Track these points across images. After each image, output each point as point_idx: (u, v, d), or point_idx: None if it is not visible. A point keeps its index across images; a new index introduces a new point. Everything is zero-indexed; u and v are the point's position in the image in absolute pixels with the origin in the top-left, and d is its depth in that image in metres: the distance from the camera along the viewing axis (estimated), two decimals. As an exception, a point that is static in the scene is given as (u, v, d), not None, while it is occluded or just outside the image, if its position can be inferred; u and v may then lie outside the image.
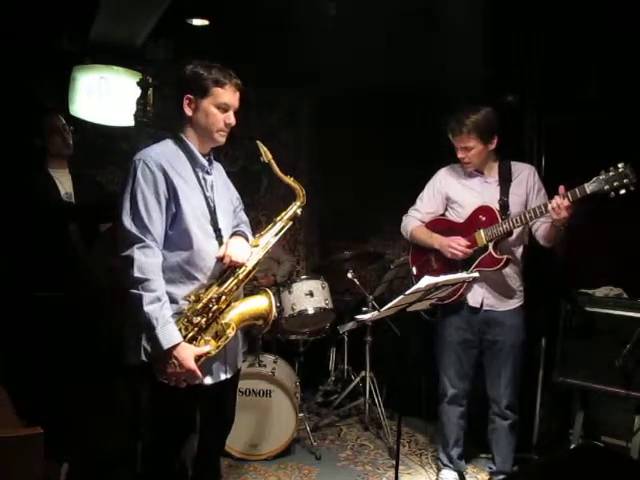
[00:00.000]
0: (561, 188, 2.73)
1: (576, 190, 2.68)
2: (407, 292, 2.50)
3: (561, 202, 2.68)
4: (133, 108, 3.61)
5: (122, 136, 3.85)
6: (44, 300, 3.08)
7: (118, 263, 2.07)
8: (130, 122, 3.77)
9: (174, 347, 2.01)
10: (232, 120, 2.23)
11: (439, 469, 3.36)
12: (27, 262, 3.14)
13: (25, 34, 3.74)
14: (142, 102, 3.40)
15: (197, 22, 3.96)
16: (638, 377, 2.94)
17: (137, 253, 2.02)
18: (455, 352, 3.16)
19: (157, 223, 2.07)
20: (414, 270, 3.30)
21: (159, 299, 2.02)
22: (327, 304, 3.91)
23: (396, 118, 4.72)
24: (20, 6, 3.40)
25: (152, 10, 3.44)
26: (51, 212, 3.22)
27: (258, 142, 2.31)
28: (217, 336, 2.14)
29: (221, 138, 2.24)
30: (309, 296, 3.86)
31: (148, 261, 2.03)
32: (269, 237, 2.32)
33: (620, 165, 2.58)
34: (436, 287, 2.59)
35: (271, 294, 2.30)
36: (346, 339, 4.33)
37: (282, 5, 3.44)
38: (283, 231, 2.34)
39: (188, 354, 2.03)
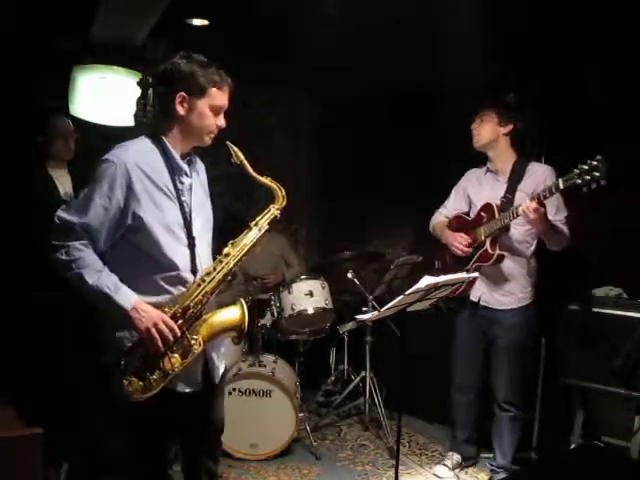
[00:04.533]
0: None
1: (551, 187, 2.72)
2: (407, 292, 2.50)
3: (528, 204, 2.74)
4: (133, 108, 3.61)
5: (122, 136, 3.85)
6: (44, 300, 3.08)
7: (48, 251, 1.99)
8: (130, 122, 3.77)
9: (136, 303, 1.96)
10: (223, 123, 2.12)
11: (441, 460, 3.48)
12: (27, 262, 3.13)
13: (25, 34, 3.74)
14: (142, 102, 3.40)
15: (197, 22, 3.96)
16: (638, 377, 2.94)
17: (59, 239, 1.97)
18: (460, 346, 3.28)
19: (94, 225, 1.98)
20: (436, 264, 3.43)
21: (100, 270, 1.96)
22: (327, 304, 3.91)
23: (396, 118, 4.72)
24: (20, 6, 3.39)
25: (152, 10, 3.44)
26: (51, 212, 3.21)
27: (228, 143, 2.16)
28: (184, 352, 2.02)
29: (209, 140, 2.13)
30: (309, 296, 3.86)
31: (73, 244, 1.96)
32: (243, 244, 2.14)
33: (597, 158, 2.57)
34: (436, 287, 2.59)
35: (244, 304, 2.15)
36: (346, 339, 4.33)
37: (282, 5, 3.44)
38: (259, 235, 2.17)
39: (149, 306, 1.98)
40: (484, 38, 3.50)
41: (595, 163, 2.56)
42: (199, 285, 2.06)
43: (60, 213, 2.00)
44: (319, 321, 4.00)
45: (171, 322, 1.98)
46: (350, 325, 4.10)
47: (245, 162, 2.15)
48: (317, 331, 4.07)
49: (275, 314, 3.90)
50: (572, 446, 3.32)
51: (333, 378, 4.39)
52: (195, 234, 2.11)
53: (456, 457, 3.43)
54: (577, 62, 3.57)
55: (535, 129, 3.77)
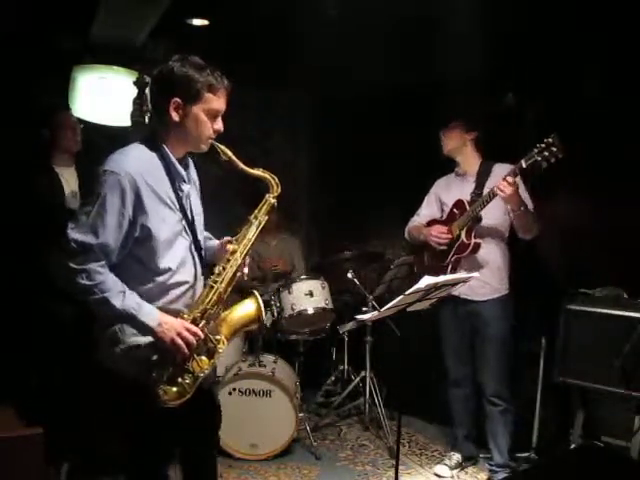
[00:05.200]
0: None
1: (515, 167, 2.92)
2: (407, 292, 2.50)
3: (501, 181, 2.91)
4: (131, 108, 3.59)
5: (122, 136, 3.85)
6: (44, 301, 3.07)
7: (63, 273, 1.93)
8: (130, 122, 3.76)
9: (159, 319, 1.98)
10: (221, 127, 2.07)
11: (441, 460, 3.52)
12: (28, 265, 3.11)
13: (25, 34, 3.73)
14: (138, 101, 3.37)
15: (197, 22, 3.96)
16: (638, 377, 2.94)
17: (78, 264, 1.90)
18: (450, 341, 3.37)
19: (110, 243, 1.94)
20: (415, 269, 3.55)
21: (122, 292, 1.94)
22: (327, 304, 3.91)
23: (396, 118, 4.71)
24: (20, 6, 3.39)
25: (152, 10, 3.43)
26: (56, 214, 3.16)
27: (214, 142, 2.09)
28: (209, 353, 2.07)
29: (206, 147, 2.08)
30: (309, 296, 3.86)
31: (92, 267, 1.91)
32: (247, 240, 2.16)
33: (550, 136, 2.78)
34: (436, 287, 2.59)
35: (258, 296, 2.19)
36: (346, 339, 4.33)
37: (282, 5, 3.44)
38: (260, 227, 2.17)
39: (170, 317, 2.00)
40: (484, 38, 3.50)
41: (551, 140, 2.77)
42: (212, 287, 2.07)
43: (74, 235, 1.91)
44: (319, 321, 4.01)
45: (194, 328, 2.00)
46: (350, 325, 4.10)
47: (234, 157, 2.11)
48: (317, 331, 4.07)
49: (275, 314, 3.90)
50: (572, 446, 3.32)
51: (333, 378, 4.39)
52: (200, 237, 2.14)
53: (456, 457, 3.46)
54: (577, 62, 3.56)
55: (535, 130, 3.77)
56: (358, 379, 4.11)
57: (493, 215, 3.16)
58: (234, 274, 2.11)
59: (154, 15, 3.50)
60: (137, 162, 1.99)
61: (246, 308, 2.17)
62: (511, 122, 3.83)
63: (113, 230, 1.92)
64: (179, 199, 2.07)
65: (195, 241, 2.12)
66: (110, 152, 2.04)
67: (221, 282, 2.08)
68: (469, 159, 3.33)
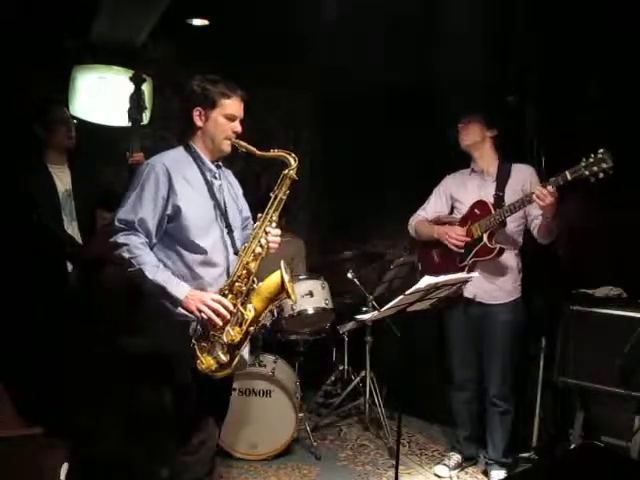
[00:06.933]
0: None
1: (558, 177, 2.79)
2: (407, 292, 2.50)
3: (541, 189, 2.81)
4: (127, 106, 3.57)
5: (122, 136, 3.84)
6: (43, 297, 3.07)
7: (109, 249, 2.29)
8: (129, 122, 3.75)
9: (187, 293, 2.26)
10: (239, 128, 2.41)
11: (441, 460, 3.51)
12: (25, 262, 3.10)
13: (25, 34, 3.73)
14: (135, 98, 3.35)
15: (197, 22, 3.96)
16: (638, 377, 2.94)
17: (122, 238, 2.26)
18: (456, 343, 3.33)
19: (148, 218, 2.29)
20: (420, 266, 3.46)
21: (157, 266, 2.27)
22: (327, 304, 3.91)
23: (396, 118, 4.71)
24: (20, 6, 3.39)
25: (152, 10, 3.43)
26: (48, 214, 3.15)
27: (233, 140, 2.42)
28: (239, 323, 2.30)
29: (227, 147, 2.41)
30: (309, 296, 3.86)
31: (133, 242, 2.26)
32: (265, 214, 2.40)
33: (600, 151, 2.68)
34: (436, 287, 2.59)
35: (282, 267, 2.37)
36: (346, 339, 4.33)
37: (282, 5, 3.44)
38: (280, 201, 2.42)
39: (197, 291, 2.28)
40: (484, 38, 3.50)
41: (600, 155, 2.67)
42: (239, 262, 2.35)
43: (119, 215, 2.29)
44: (319, 321, 4.00)
45: (218, 297, 2.28)
46: (350, 325, 4.09)
47: (249, 147, 2.41)
48: (317, 331, 4.07)
49: (275, 314, 3.90)
50: (572, 446, 3.32)
51: (333, 378, 4.39)
52: (231, 222, 2.42)
53: (456, 457, 3.45)
54: (577, 62, 3.56)
55: (535, 130, 3.77)
56: (358, 379, 4.11)
57: (512, 220, 3.10)
58: (260, 247, 2.36)
59: (154, 15, 3.50)
60: (172, 156, 2.39)
61: (272, 279, 2.37)
62: (512, 123, 3.83)
63: (150, 208, 2.28)
64: (210, 190, 2.39)
65: (228, 230, 2.41)
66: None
67: (245, 255, 2.35)
68: (486, 156, 3.24)
